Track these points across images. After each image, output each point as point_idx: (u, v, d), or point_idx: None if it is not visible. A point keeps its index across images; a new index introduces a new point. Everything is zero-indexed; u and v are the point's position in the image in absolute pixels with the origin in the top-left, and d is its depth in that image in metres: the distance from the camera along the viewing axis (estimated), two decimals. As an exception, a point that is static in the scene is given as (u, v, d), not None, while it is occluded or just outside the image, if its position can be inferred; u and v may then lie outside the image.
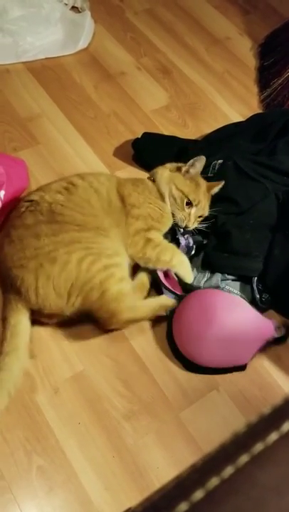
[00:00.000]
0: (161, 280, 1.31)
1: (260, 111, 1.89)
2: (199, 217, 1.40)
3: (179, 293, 1.32)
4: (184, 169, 1.39)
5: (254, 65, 2.07)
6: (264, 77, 2.00)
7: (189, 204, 1.36)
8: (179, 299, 1.30)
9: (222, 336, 1.21)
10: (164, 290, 1.31)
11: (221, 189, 1.46)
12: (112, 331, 1.28)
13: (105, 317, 1.21)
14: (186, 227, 1.37)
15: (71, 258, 1.17)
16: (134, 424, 1.16)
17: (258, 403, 1.24)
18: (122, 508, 1.04)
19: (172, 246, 1.34)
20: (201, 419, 1.19)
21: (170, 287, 1.31)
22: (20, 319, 1.19)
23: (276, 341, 1.30)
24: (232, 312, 1.24)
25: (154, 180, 1.41)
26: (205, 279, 1.35)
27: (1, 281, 1.26)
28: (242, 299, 1.29)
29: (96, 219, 1.27)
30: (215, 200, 1.44)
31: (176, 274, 1.33)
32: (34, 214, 1.24)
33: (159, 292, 1.33)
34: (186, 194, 1.36)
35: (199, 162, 1.38)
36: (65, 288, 1.17)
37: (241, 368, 1.27)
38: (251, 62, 2.08)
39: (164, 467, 1.11)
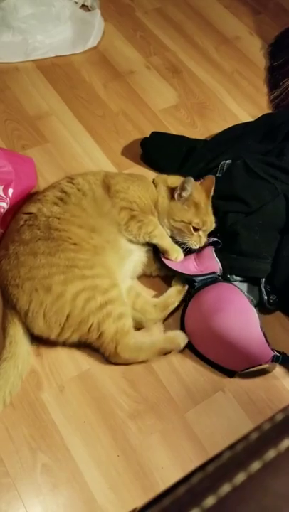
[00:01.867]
0: (167, 264, 1.31)
1: (270, 111, 1.88)
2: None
3: (193, 272, 1.32)
4: (176, 194, 1.34)
5: (264, 65, 2.06)
6: (274, 77, 1.99)
7: (196, 228, 1.34)
8: (189, 280, 1.32)
9: (218, 333, 1.20)
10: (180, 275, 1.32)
11: (231, 188, 1.46)
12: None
13: (106, 355, 1.21)
14: (199, 248, 1.36)
15: (66, 290, 1.16)
16: (139, 423, 1.16)
17: (264, 405, 1.23)
18: (126, 507, 1.05)
19: (155, 221, 1.34)
20: (206, 420, 1.19)
21: (177, 268, 1.31)
22: (18, 330, 1.19)
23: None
24: (238, 318, 1.22)
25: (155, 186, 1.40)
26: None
27: (1, 292, 1.27)
28: (256, 315, 1.24)
29: (93, 233, 1.26)
30: (224, 200, 1.44)
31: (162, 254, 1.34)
32: (32, 229, 1.24)
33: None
34: (188, 222, 1.33)
35: (189, 184, 1.33)
36: (57, 321, 1.17)
37: (230, 373, 1.26)
38: (261, 62, 2.07)
39: (168, 467, 1.11)
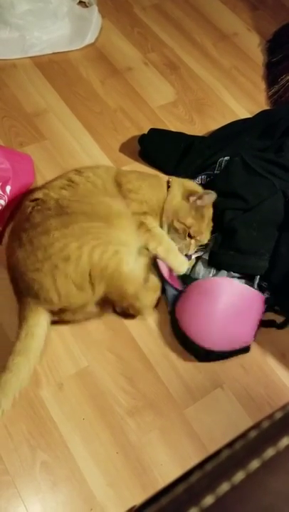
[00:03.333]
0: (163, 275, 1.31)
1: (268, 107, 1.88)
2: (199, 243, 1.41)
3: (180, 288, 1.32)
4: (191, 199, 1.37)
5: (262, 61, 2.06)
6: (272, 74, 1.98)
7: (191, 236, 1.36)
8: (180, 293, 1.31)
9: (226, 315, 1.22)
10: (166, 286, 1.32)
11: (229, 185, 1.45)
12: (116, 326, 1.28)
13: (117, 298, 1.22)
14: (185, 254, 1.37)
15: (82, 252, 1.18)
16: (138, 420, 1.16)
17: (263, 401, 1.24)
18: (125, 504, 1.05)
19: (162, 234, 1.35)
20: (205, 417, 1.19)
21: (171, 282, 1.31)
22: (40, 322, 1.18)
23: (278, 327, 1.31)
24: (233, 292, 1.25)
25: (168, 187, 1.41)
26: (210, 276, 1.34)
27: (15, 286, 1.25)
28: (236, 280, 1.29)
29: (104, 205, 1.27)
30: (222, 196, 1.43)
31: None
32: (41, 211, 1.24)
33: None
34: (188, 226, 1.35)
35: (209, 197, 1.37)
36: (85, 280, 1.17)
37: (246, 349, 1.28)
38: (259, 58, 2.07)
39: (167, 464, 1.12)
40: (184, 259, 1.35)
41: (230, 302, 1.24)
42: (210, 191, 1.38)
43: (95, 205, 1.26)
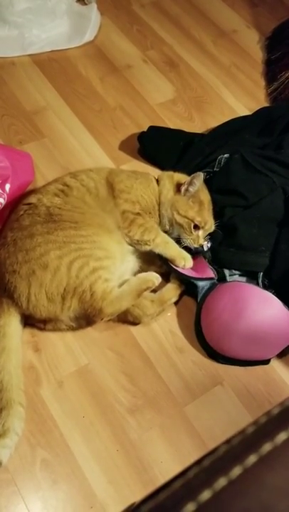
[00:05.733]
0: (172, 268, 1.31)
1: (267, 104, 1.88)
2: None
3: (195, 275, 1.31)
4: (183, 189, 1.34)
5: (261, 58, 2.05)
6: (271, 71, 1.98)
7: (197, 227, 1.33)
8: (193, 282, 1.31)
9: (250, 332, 1.21)
10: (194, 281, 1.32)
11: (228, 182, 1.45)
12: (116, 324, 1.28)
13: (92, 314, 1.19)
14: (196, 247, 1.34)
15: (61, 263, 1.16)
16: (138, 418, 1.16)
17: (263, 399, 1.23)
18: (126, 502, 1.05)
19: (158, 228, 1.33)
20: (205, 414, 1.19)
21: (198, 275, 1.31)
22: (10, 321, 1.18)
23: None
24: (263, 309, 1.24)
25: (158, 183, 1.39)
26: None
27: None
28: (274, 297, 1.26)
29: (94, 216, 1.26)
30: (222, 194, 1.43)
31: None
32: (32, 216, 1.24)
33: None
34: (191, 219, 1.32)
35: (197, 179, 1.32)
36: (58, 293, 1.16)
37: (265, 362, 1.28)
38: (258, 55, 2.06)
39: (167, 461, 1.12)
40: (184, 252, 1.32)
41: (258, 323, 1.22)
42: (196, 173, 1.33)
43: (86, 216, 1.25)
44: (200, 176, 1.33)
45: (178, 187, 1.36)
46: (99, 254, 1.21)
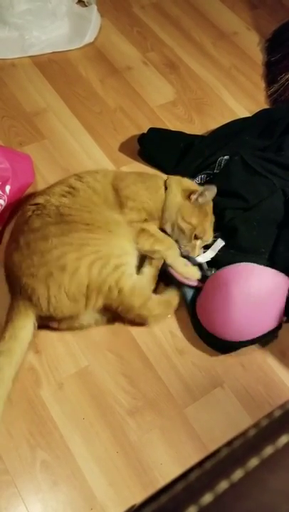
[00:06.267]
0: (173, 275, 1.31)
1: (267, 106, 1.88)
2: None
3: (194, 284, 1.32)
4: (193, 197, 1.35)
5: (261, 60, 2.05)
6: (271, 73, 1.98)
7: (196, 237, 1.34)
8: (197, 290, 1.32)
9: (244, 305, 1.22)
10: (183, 289, 1.33)
11: (228, 184, 1.45)
12: (116, 326, 1.28)
13: (125, 311, 1.22)
14: (191, 256, 1.35)
15: (80, 265, 1.17)
16: (138, 420, 1.16)
17: (263, 400, 1.23)
18: (126, 503, 1.05)
19: (167, 237, 1.34)
20: (205, 416, 1.19)
21: (182, 280, 1.31)
22: (26, 325, 1.17)
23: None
24: (248, 279, 1.25)
25: (166, 188, 1.40)
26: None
27: (10, 286, 1.26)
28: (255, 265, 1.28)
29: (103, 215, 1.27)
30: (222, 196, 1.43)
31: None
32: (41, 217, 1.24)
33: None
34: (194, 226, 1.33)
35: (210, 193, 1.35)
36: (80, 292, 1.17)
37: (276, 330, 1.27)
38: (258, 57, 2.07)
39: (167, 463, 1.12)
40: (193, 267, 1.33)
41: (245, 291, 1.23)
42: (210, 186, 1.35)
43: (95, 215, 1.26)
44: (213, 191, 1.35)
45: (185, 193, 1.37)
46: (116, 252, 1.23)
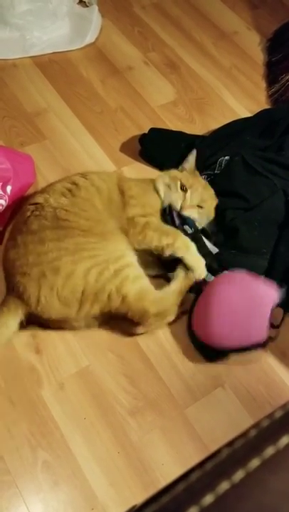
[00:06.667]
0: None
1: (268, 106, 1.88)
2: (199, 207, 1.36)
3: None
4: (180, 167, 1.43)
5: (262, 60, 2.05)
6: (272, 72, 1.98)
7: (183, 189, 1.36)
8: None
9: (225, 313, 1.21)
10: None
11: (229, 185, 1.45)
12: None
13: (136, 317, 1.20)
14: (181, 208, 1.33)
15: (76, 269, 1.17)
16: (139, 420, 1.16)
17: (264, 400, 1.23)
18: (126, 504, 1.05)
19: (174, 229, 1.31)
20: (206, 416, 1.19)
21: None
22: (8, 322, 1.18)
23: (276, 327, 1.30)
24: (230, 287, 1.24)
25: None
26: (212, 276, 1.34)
27: (6, 282, 1.26)
28: (243, 274, 1.26)
29: (100, 223, 1.26)
30: (223, 196, 1.43)
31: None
32: (39, 219, 1.24)
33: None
34: (178, 178, 1.37)
35: (191, 155, 1.42)
36: (74, 296, 1.16)
37: (260, 344, 1.26)
38: (259, 57, 2.07)
39: (168, 464, 1.12)
40: (204, 263, 1.29)
41: (227, 301, 1.22)
42: (191, 151, 1.43)
43: (92, 223, 1.25)
44: (193, 152, 1.42)
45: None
46: (115, 254, 1.21)
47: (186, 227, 1.32)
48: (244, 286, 1.25)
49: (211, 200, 1.41)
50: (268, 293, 1.24)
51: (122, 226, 1.29)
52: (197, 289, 1.30)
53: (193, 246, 1.29)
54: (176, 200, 1.34)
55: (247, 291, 1.24)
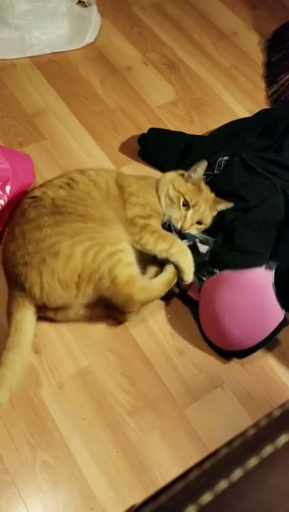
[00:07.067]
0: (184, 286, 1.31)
1: (268, 106, 1.88)
2: (198, 223, 1.37)
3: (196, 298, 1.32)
4: (186, 174, 1.38)
5: (261, 61, 2.05)
6: (271, 73, 1.98)
7: (186, 205, 1.33)
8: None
9: (232, 316, 1.20)
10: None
11: (229, 185, 1.45)
12: (116, 326, 1.29)
13: (121, 302, 1.19)
14: (181, 228, 1.33)
15: (75, 251, 1.17)
16: (138, 420, 1.16)
17: (263, 401, 1.23)
18: (126, 504, 1.05)
19: (171, 234, 1.32)
20: (205, 416, 1.19)
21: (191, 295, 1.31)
22: (25, 315, 1.18)
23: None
24: (227, 288, 1.23)
25: None
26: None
27: (7, 278, 1.26)
28: (228, 272, 1.26)
29: (99, 210, 1.27)
30: (223, 197, 1.43)
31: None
32: (37, 208, 1.25)
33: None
34: (182, 193, 1.34)
35: (200, 167, 1.36)
36: (72, 279, 1.17)
37: (282, 325, 1.22)
38: (259, 57, 2.07)
39: (168, 464, 1.11)
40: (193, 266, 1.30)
41: (226, 302, 1.22)
42: (200, 161, 1.37)
43: (90, 209, 1.26)
44: (203, 164, 1.36)
45: (180, 173, 1.41)
46: (112, 240, 1.22)
47: (185, 240, 1.33)
48: (238, 282, 1.24)
49: (210, 213, 1.39)
50: (263, 278, 1.23)
51: (122, 220, 1.30)
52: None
53: (188, 251, 1.30)
54: (177, 219, 1.34)
55: (244, 286, 1.24)
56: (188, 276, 1.29)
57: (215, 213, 1.41)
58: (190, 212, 1.34)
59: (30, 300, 1.18)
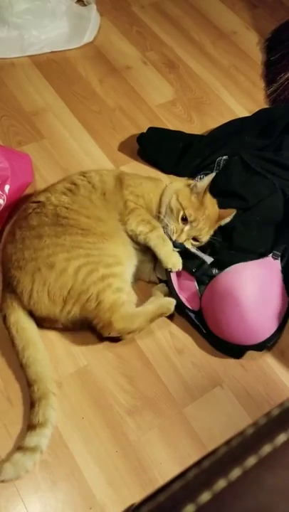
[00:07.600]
0: (180, 299, 1.30)
1: (267, 106, 1.88)
2: (194, 240, 1.33)
3: (195, 308, 1.31)
4: (192, 183, 1.35)
5: (261, 60, 2.05)
6: (271, 72, 1.98)
7: (185, 220, 1.30)
8: (196, 315, 1.32)
9: (256, 305, 1.22)
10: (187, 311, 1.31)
11: (228, 184, 1.45)
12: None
13: (99, 326, 1.19)
14: (175, 241, 1.30)
15: (69, 266, 1.17)
16: (137, 419, 1.16)
17: (262, 400, 1.24)
18: (125, 503, 1.05)
19: (156, 222, 1.31)
20: (204, 416, 1.19)
21: (188, 305, 1.31)
22: (19, 316, 1.19)
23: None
24: (248, 281, 1.26)
25: None
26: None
27: (3, 277, 1.27)
28: (243, 264, 1.30)
29: (100, 222, 1.26)
30: (222, 196, 1.43)
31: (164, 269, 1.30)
32: (39, 216, 1.25)
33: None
34: (183, 207, 1.29)
35: (208, 178, 1.32)
36: (61, 295, 1.17)
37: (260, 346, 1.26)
38: (258, 56, 2.07)
39: (167, 463, 1.12)
40: (177, 255, 1.29)
41: (250, 291, 1.23)
42: (210, 173, 1.36)
43: (92, 221, 1.25)
44: (211, 175, 1.33)
45: (187, 184, 1.38)
46: (108, 260, 1.22)
47: (176, 249, 1.31)
48: (250, 273, 1.28)
49: (209, 229, 1.35)
50: (273, 266, 1.30)
51: (120, 216, 1.30)
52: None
53: (167, 240, 1.29)
54: (172, 230, 1.30)
55: (256, 276, 1.27)
56: (166, 264, 1.28)
57: (216, 228, 1.37)
58: (187, 227, 1.30)
59: (19, 304, 1.19)
